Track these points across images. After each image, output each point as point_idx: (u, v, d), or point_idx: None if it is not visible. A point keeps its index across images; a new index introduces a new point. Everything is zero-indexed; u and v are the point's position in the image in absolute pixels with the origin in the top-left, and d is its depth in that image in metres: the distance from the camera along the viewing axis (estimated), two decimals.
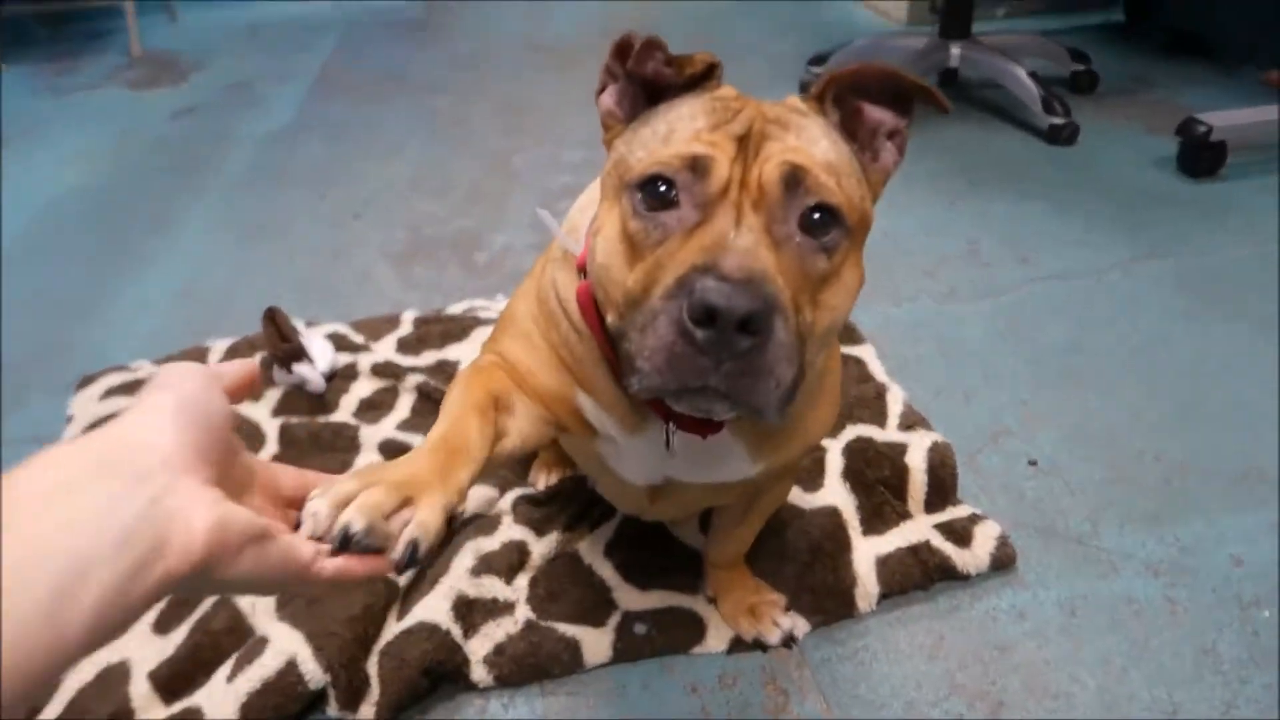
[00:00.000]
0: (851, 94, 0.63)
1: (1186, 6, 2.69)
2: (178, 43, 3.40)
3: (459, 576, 0.98)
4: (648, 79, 0.62)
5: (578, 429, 0.73)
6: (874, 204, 0.63)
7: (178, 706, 0.86)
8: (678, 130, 0.58)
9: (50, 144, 2.53)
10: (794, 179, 0.55)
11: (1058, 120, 2.03)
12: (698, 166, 0.55)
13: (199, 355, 1.42)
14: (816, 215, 0.56)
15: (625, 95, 0.64)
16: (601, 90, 0.65)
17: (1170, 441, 1.20)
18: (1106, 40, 2.68)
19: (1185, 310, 1.46)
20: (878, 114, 0.63)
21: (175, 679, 0.88)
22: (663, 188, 0.56)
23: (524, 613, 0.97)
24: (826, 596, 0.98)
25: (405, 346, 1.42)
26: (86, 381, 1.36)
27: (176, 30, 3.56)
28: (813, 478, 1.13)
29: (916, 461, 1.11)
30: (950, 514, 1.08)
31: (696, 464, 0.72)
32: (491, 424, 0.64)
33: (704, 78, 0.61)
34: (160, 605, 0.98)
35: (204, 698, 0.85)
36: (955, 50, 2.21)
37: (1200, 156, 1.84)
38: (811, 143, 0.58)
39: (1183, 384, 1.30)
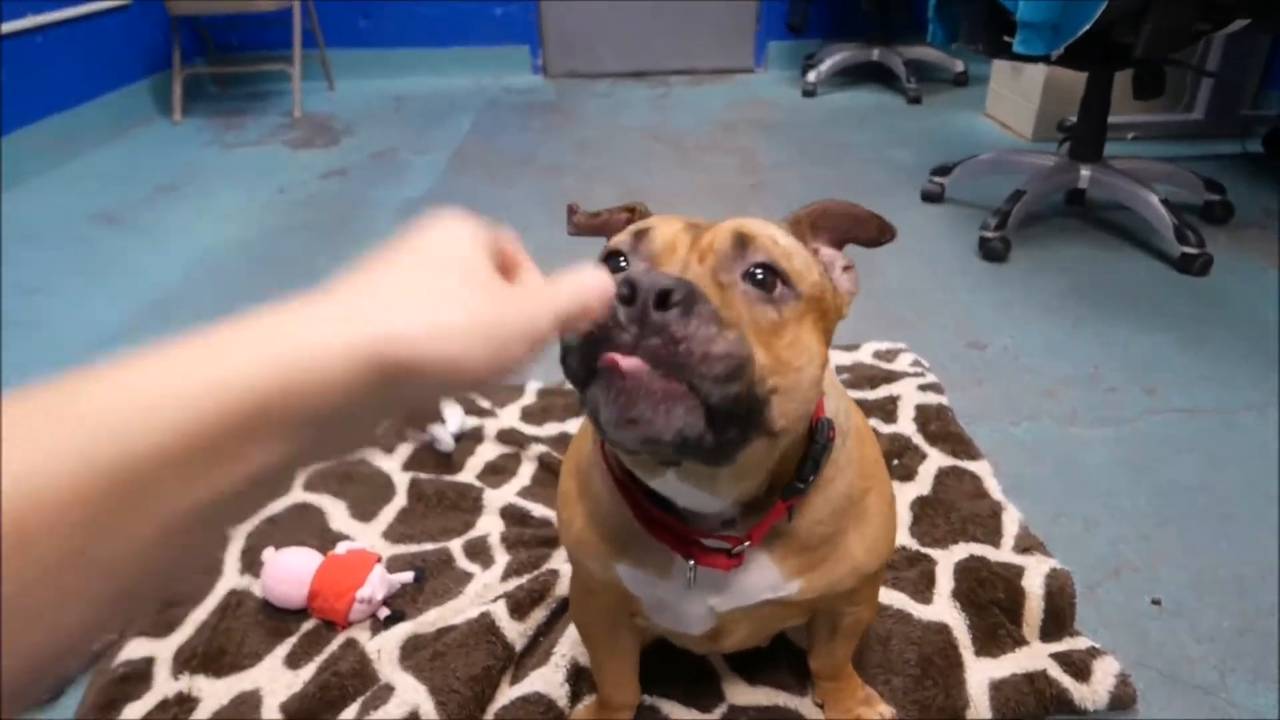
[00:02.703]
0: (810, 234, 0.66)
1: None
2: (333, 108, 3.68)
3: (572, 644, 1.01)
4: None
5: (630, 606, 0.81)
6: (839, 318, 0.65)
7: None
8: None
9: (215, 193, 2.75)
10: (742, 241, 0.58)
11: (1191, 250, 1.99)
12: (642, 234, 0.61)
13: None
14: (762, 273, 0.57)
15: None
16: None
17: None
18: (1243, 171, 2.63)
19: None
20: (828, 254, 0.67)
21: (303, 713, 0.93)
22: (619, 261, 0.61)
23: None
24: (936, 715, 0.97)
25: (529, 416, 1.48)
26: None
27: (333, 97, 3.86)
28: (920, 590, 1.12)
29: (1034, 587, 1.09)
30: (1068, 644, 1.05)
31: (732, 591, 0.73)
32: (627, 664, 0.91)
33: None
34: (292, 640, 1.04)
35: None
36: (1085, 172, 2.20)
37: None
38: (765, 225, 0.61)
39: None
